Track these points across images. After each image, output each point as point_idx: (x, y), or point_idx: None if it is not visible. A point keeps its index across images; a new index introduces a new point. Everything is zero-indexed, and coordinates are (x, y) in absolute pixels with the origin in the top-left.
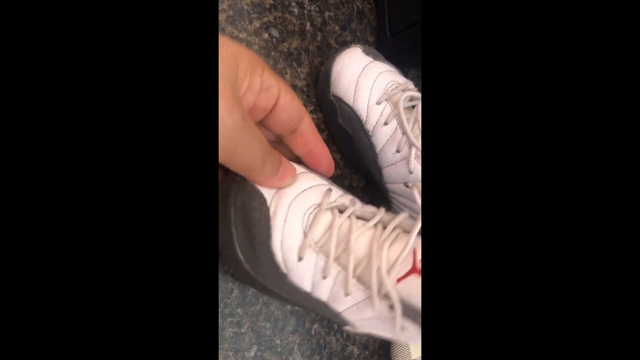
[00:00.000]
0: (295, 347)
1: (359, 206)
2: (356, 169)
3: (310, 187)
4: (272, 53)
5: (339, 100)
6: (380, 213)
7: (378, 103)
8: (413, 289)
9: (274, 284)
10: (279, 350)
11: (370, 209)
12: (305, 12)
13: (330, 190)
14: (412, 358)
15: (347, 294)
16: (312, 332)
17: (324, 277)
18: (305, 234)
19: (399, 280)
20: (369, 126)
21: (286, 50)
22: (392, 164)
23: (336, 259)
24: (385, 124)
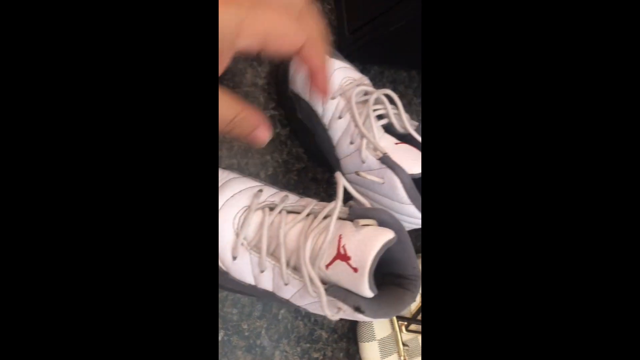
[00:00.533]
0: (263, 332)
1: (291, 201)
2: (320, 162)
3: (240, 191)
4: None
5: (297, 96)
6: (310, 205)
7: (332, 98)
8: (340, 273)
9: (222, 281)
10: (246, 334)
11: (303, 202)
12: None
13: (260, 191)
14: (377, 337)
15: (286, 284)
16: (279, 317)
17: (262, 271)
18: (237, 235)
19: (327, 266)
20: (326, 120)
21: None
22: (348, 155)
23: (271, 254)
24: (340, 117)
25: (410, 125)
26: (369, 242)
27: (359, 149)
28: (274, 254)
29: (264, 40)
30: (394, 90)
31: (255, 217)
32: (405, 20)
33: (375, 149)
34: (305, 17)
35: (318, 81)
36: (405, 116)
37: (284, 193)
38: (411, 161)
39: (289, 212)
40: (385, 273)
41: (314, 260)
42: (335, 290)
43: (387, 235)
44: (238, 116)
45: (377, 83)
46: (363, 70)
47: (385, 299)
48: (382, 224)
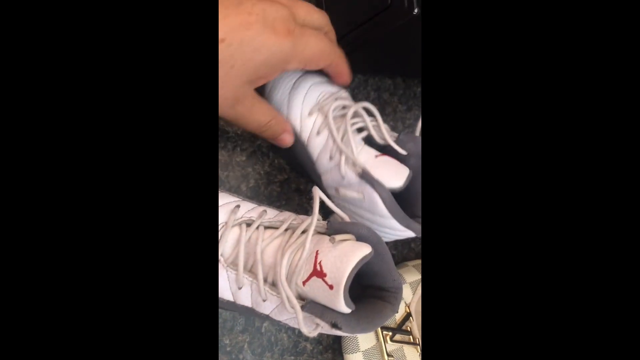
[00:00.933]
0: (245, 346)
1: (269, 216)
2: (302, 173)
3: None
4: None
5: None
6: (288, 220)
7: (310, 114)
8: (316, 290)
9: None
10: (228, 349)
11: (281, 216)
12: None
13: (238, 206)
14: (361, 349)
15: (264, 300)
16: (262, 330)
17: (240, 288)
18: None
19: (304, 282)
20: (304, 137)
21: None
22: (328, 171)
23: (249, 271)
24: (318, 133)
25: (389, 137)
26: (345, 258)
27: (338, 165)
28: (251, 270)
29: (308, 62)
30: (379, 98)
31: (232, 234)
32: (388, 29)
33: (355, 164)
34: (330, 34)
35: (345, 77)
36: (384, 127)
37: (262, 208)
38: (391, 174)
39: (267, 227)
40: (365, 286)
41: (290, 277)
42: (312, 306)
43: (363, 250)
44: (271, 121)
45: (362, 91)
46: None
47: (364, 314)
48: (359, 238)
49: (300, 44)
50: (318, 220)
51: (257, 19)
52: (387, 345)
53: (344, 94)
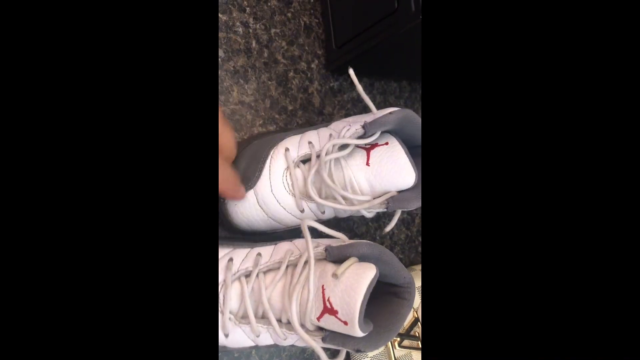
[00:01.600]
0: (253, 352)
1: (265, 260)
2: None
3: None
4: (218, 72)
5: None
6: (286, 258)
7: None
8: (331, 325)
9: (222, 351)
10: (236, 355)
11: (277, 255)
12: (250, 30)
13: (231, 260)
14: (369, 355)
15: (285, 339)
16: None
17: (258, 336)
18: (222, 312)
19: (318, 318)
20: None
21: (232, 68)
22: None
23: (261, 318)
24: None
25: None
26: (352, 292)
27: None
28: (263, 317)
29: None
30: (385, 101)
31: (234, 289)
32: (394, 33)
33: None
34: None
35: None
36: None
37: (255, 251)
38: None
39: (267, 272)
40: (380, 283)
41: (303, 317)
42: (333, 337)
43: (368, 275)
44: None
45: (367, 94)
46: (352, 82)
47: (383, 323)
48: (361, 258)
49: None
50: (315, 248)
51: None
52: (395, 350)
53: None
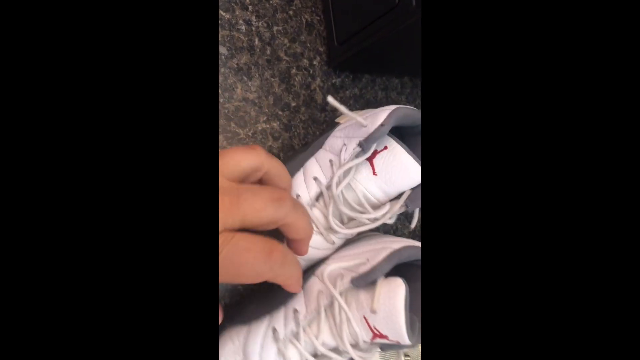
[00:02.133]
0: None
1: (303, 314)
2: None
3: (260, 345)
4: (222, 70)
5: None
6: (321, 307)
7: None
8: (386, 342)
9: None
10: None
11: (312, 304)
12: (253, 28)
13: (275, 330)
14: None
15: None
16: None
17: None
18: None
19: (372, 340)
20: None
21: (235, 65)
22: None
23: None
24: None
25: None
26: (394, 317)
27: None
28: (320, 356)
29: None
30: (387, 97)
31: (292, 352)
32: (395, 29)
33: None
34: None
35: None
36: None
37: (290, 308)
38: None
39: (310, 323)
40: (415, 265)
41: (358, 345)
42: (389, 346)
43: (400, 296)
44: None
45: (369, 91)
46: (354, 79)
47: (415, 308)
48: (387, 274)
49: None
50: (341, 281)
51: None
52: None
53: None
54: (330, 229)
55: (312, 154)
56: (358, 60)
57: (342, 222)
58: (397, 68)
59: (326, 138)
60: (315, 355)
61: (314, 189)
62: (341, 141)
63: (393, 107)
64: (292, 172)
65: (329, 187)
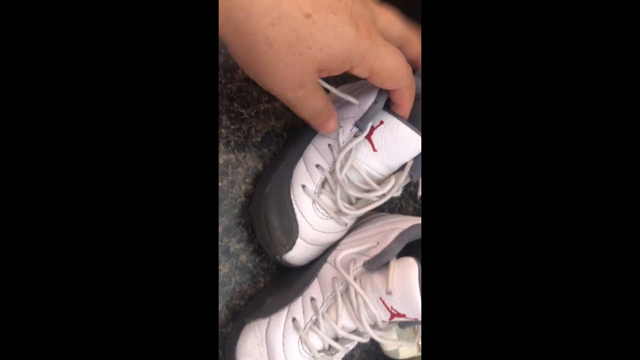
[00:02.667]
0: None
1: (320, 302)
2: None
3: (281, 332)
4: (223, 50)
5: None
6: (337, 293)
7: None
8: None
9: None
10: None
11: (328, 290)
12: None
13: (294, 319)
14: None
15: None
16: None
17: None
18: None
19: (390, 320)
20: None
21: None
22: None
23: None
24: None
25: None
26: (409, 297)
27: None
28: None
29: (375, 75)
30: None
31: (314, 338)
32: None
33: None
34: (410, 47)
35: (405, 109)
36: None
37: (307, 296)
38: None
39: (328, 311)
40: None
41: (376, 324)
42: (407, 322)
43: (413, 275)
44: (324, 109)
45: None
46: None
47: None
48: (398, 255)
49: (376, 52)
50: (354, 267)
51: (345, 7)
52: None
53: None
54: (340, 212)
55: (309, 140)
56: None
57: (350, 203)
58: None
59: None
60: (336, 339)
61: (318, 177)
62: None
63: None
64: (293, 162)
65: (332, 172)
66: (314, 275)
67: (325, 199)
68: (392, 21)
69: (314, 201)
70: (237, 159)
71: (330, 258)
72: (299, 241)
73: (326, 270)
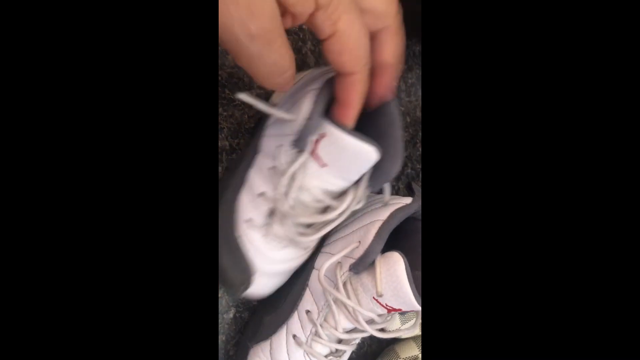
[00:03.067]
0: None
1: (315, 314)
2: None
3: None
4: None
5: None
6: (330, 301)
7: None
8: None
9: None
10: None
11: (321, 301)
12: None
13: (295, 336)
14: (401, 357)
15: None
16: None
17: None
18: None
19: (389, 312)
20: None
21: None
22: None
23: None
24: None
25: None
26: (400, 292)
27: None
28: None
29: (335, 37)
30: None
31: (319, 349)
32: None
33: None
34: (387, 34)
35: (349, 114)
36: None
37: (302, 311)
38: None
39: (325, 319)
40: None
41: (374, 320)
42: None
43: (401, 270)
44: (288, 69)
45: None
46: None
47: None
48: (382, 251)
49: (347, 7)
50: (342, 273)
51: None
52: None
53: None
54: (294, 239)
55: (249, 163)
56: None
57: (308, 226)
58: None
59: (259, 139)
60: (339, 341)
61: (264, 207)
62: (274, 141)
63: (315, 86)
64: (235, 193)
65: (279, 199)
66: (304, 286)
67: (277, 228)
68: (380, 10)
69: (265, 235)
70: (230, 145)
71: (318, 264)
72: (256, 277)
73: (315, 280)
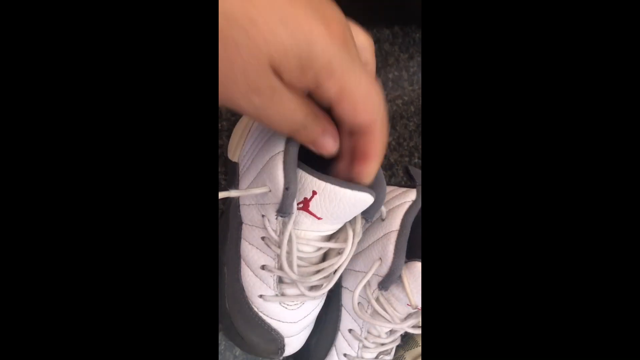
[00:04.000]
0: None
1: (359, 332)
2: None
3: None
4: None
5: None
6: (370, 318)
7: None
8: None
9: None
10: None
11: (360, 318)
12: None
13: (345, 355)
14: (419, 344)
15: None
16: None
17: None
18: None
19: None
20: None
21: None
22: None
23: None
24: None
25: None
26: (414, 287)
27: None
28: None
29: (344, 99)
30: (380, 49)
31: (370, 356)
32: None
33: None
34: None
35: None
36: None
37: (346, 330)
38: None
39: (369, 332)
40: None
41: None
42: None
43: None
44: (306, 119)
45: None
46: None
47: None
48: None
49: (351, 66)
50: (377, 298)
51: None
52: None
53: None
54: (311, 296)
55: (238, 235)
56: (346, 10)
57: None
58: (387, 16)
59: (237, 209)
60: (384, 344)
61: (271, 279)
62: (256, 210)
63: (278, 149)
64: (236, 270)
65: (281, 267)
66: (339, 307)
67: (290, 291)
68: (355, 33)
69: (280, 302)
70: (224, 144)
71: (346, 282)
72: (287, 340)
73: (348, 298)
